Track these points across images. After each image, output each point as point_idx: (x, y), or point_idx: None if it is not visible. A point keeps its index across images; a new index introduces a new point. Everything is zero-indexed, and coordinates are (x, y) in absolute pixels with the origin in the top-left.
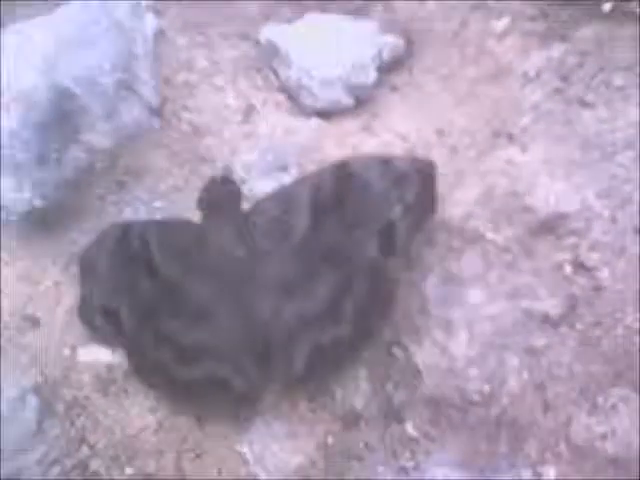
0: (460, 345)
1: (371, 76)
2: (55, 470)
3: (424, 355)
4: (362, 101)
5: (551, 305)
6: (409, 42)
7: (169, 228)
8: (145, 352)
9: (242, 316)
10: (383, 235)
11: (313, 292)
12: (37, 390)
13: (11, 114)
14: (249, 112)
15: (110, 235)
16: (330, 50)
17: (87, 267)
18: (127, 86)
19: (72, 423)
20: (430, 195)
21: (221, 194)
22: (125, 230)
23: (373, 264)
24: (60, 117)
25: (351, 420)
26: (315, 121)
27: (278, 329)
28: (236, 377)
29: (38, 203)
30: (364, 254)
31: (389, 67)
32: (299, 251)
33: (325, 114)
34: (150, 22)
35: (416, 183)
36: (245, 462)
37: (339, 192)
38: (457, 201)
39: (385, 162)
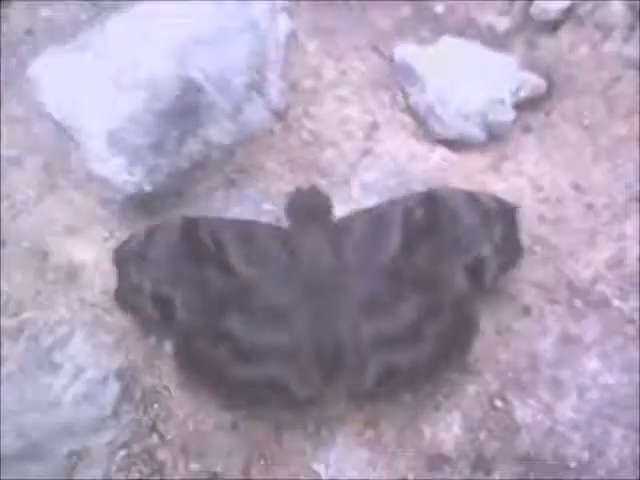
0: (567, 408)
1: (509, 114)
2: (122, 453)
3: (526, 411)
4: (493, 137)
5: None
6: (550, 84)
7: (249, 228)
8: (198, 345)
9: (316, 325)
10: (471, 269)
11: (395, 312)
12: (119, 375)
13: (133, 98)
14: (372, 129)
15: (173, 227)
16: (467, 80)
17: (135, 254)
18: (256, 88)
19: (146, 410)
20: (516, 238)
21: (311, 202)
22: (192, 225)
23: (459, 296)
24: (184, 109)
25: (436, 461)
26: (441, 151)
27: (353, 343)
28: (297, 382)
29: (147, 188)
30: (451, 285)
31: (525, 106)
32: (386, 270)
33: (451, 145)
34: (283, 24)
35: (502, 223)
36: None
37: (430, 219)
38: (587, 261)
39: (472, 197)
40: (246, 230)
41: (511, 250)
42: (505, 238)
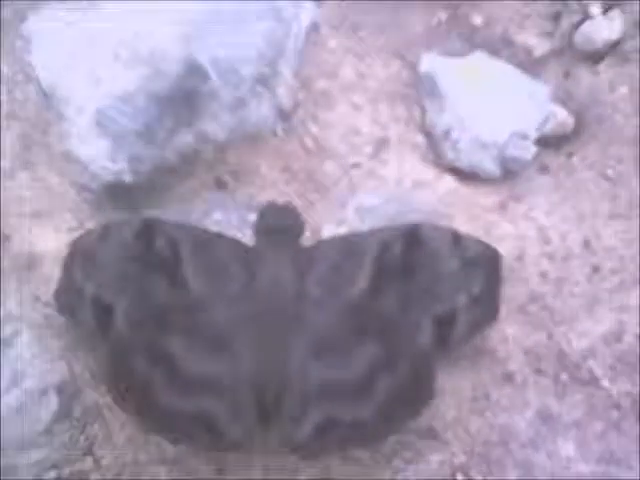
0: None
1: (529, 152)
2: (51, 474)
3: None
4: (507, 174)
5: None
6: (579, 122)
7: (209, 240)
8: (132, 363)
9: (261, 359)
10: (441, 322)
11: (349, 360)
12: (60, 388)
13: (131, 74)
14: (381, 146)
15: (129, 227)
16: (493, 106)
17: (84, 252)
18: (265, 82)
19: (83, 430)
20: (495, 294)
21: (283, 221)
22: (149, 227)
23: (421, 351)
24: (183, 95)
25: None
26: (449, 180)
27: (297, 387)
28: (227, 421)
29: (128, 179)
30: (414, 337)
31: (547, 143)
32: (349, 308)
33: (461, 175)
34: (307, 14)
35: (484, 275)
36: None
37: (406, 257)
38: (582, 331)
39: (457, 240)
40: (208, 242)
41: (487, 308)
42: (484, 292)
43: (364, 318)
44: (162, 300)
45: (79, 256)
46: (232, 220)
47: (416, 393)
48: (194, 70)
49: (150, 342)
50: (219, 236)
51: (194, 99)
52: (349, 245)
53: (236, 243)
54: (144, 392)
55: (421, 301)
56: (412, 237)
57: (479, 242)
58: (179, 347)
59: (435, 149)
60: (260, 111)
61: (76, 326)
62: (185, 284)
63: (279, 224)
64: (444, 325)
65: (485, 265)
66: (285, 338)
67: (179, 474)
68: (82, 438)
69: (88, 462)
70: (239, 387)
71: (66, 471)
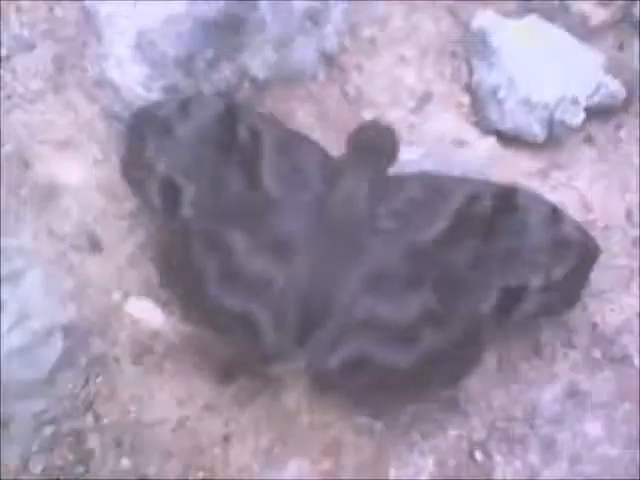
0: (554, 477)
1: (579, 117)
2: (47, 430)
3: (507, 471)
4: (551, 140)
5: None
6: (630, 94)
7: (294, 141)
8: (188, 247)
9: (316, 275)
10: (509, 294)
11: (400, 303)
12: (67, 331)
13: None
14: (425, 101)
15: (211, 108)
16: (544, 67)
17: (159, 124)
18: (315, 19)
19: (86, 383)
20: (579, 285)
21: (378, 141)
22: (233, 113)
23: (479, 317)
24: (229, 23)
25: None
26: (491, 142)
27: (340, 312)
28: (270, 330)
29: None
30: (478, 301)
31: (595, 113)
32: (415, 252)
33: (504, 137)
34: None
35: (574, 263)
36: None
37: (493, 218)
38: (618, 306)
39: (557, 217)
40: (292, 143)
41: (565, 296)
42: (567, 280)
43: (429, 265)
44: (233, 193)
45: (154, 127)
46: None
47: (461, 357)
48: None
49: (212, 232)
50: (305, 139)
51: (239, 28)
52: (436, 187)
53: (321, 151)
54: (195, 279)
55: (495, 267)
56: (506, 199)
57: (580, 229)
58: (240, 243)
59: (480, 109)
60: (305, 51)
61: (140, 198)
62: (259, 182)
63: (373, 143)
64: (512, 298)
65: (578, 254)
66: (344, 261)
67: (182, 438)
68: (84, 392)
69: (88, 420)
70: (287, 297)
71: (64, 427)
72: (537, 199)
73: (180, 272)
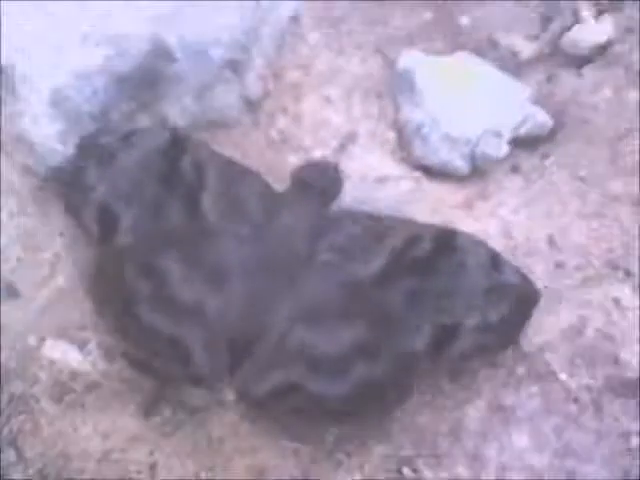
0: None
1: (501, 150)
2: None
3: None
4: (476, 172)
5: (601, 475)
6: (558, 125)
7: (237, 173)
8: (122, 272)
9: (250, 304)
10: (443, 332)
11: (333, 335)
12: None
13: (94, 53)
14: (349, 140)
15: (156, 138)
16: (469, 102)
17: (102, 150)
18: (235, 68)
19: (8, 420)
20: (516, 329)
21: (321, 180)
22: (177, 142)
23: (412, 354)
24: (145, 77)
25: None
26: (416, 177)
27: (273, 341)
28: (202, 356)
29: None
30: (411, 338)
31: (522, 144)
32: (351, 287)
33: (430, 172)
34: (289, 5)
35: (510, 307)
36: None
37: (431, 258)
38: (541, 326)
39: (495, 261)
40: (235, 175)
41: (502, 337)
42: (504, 322)
43: (364, 301)
44: (172, 221)
45: (96, 153)
46: None
47: (393, 391)
48: (160, 49)
49: (148, 258)
50: (248, 172)
51: (157, 81)
52: (376, 225)
53: (264, 184)
54: (128, 303)
55: (430, 305)
56: (445, 241)
57: (520, 273)
58: (175, 270)
59: (405, 145)
60: (226, 98)
61: (77, 223)
62: (200, 212)
63: (316, 181)
64: (445, 336)
65: (516, 298)
66: (280, 291)
67: (108, 468)
68: (6, 429)
69: (10, 456)
70: (220, 324)
71: None
72: (477, 243)
73: (114, 296)
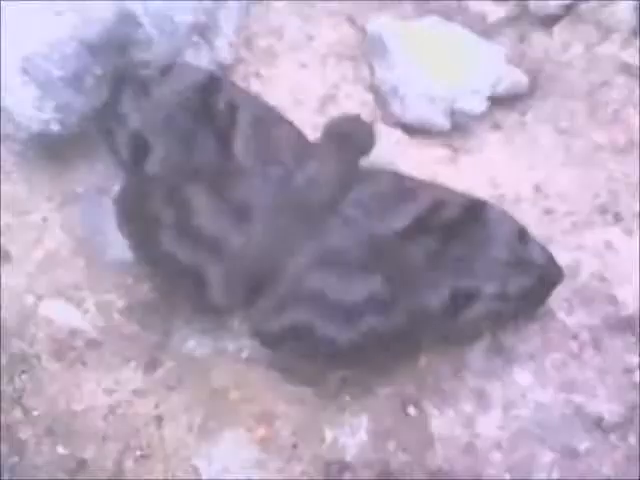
0: (489, 424)
1: (480, 105)
2: None
3: (443, 423)
4: (458, 129)
5: (608, 409)
6: (534, 82)
7: (271, 119)
8: (149, 199)
9: (270, 244)
10: (459, 296)
11: (348, 284)
12: None
13: (61, 21)
14: (327, 101)
15: (193, 75)
16: (443, 62)
17: (141, 80)
18: (202, 32)
19: (11, 379)
20: (534, 303)
21: (354, 133)
22: (214, 84)
23: (425, 312)
24: (114, 42)
25: (336, 468)
26: (397, 135)
27: (288, 282)
28: (218, 287)
29: (55, 128)
30: (427, 297)
31: (501, 102)
32: (371, 241)
33: (411, 130)
34: None
35: (532, 280)
36: None
37: (458, 225)
38: None
39: (523, 236)
40: (269, 120)
41: (518, 311)
42: (523, 296)
43: (384, 257)
44: (202, 157)
45: (133, 83)
46: None
47: (398, 347)
48: (125, 16)
49: (175, 188)
50: (282, 118)
51: (126, 47)
52: (404, 188)
53: (296, 132)
54: (151, 230)
55: (451, 267)
56: (474, 211)
57: (546, 251)
58: (201, 203)
59: (383, 105)
60: (197, 62)
61: (107, 148)
62: (231, 150)
63: (349, 135)
64: (463, 300)
65: (539, 275)
66: (301, 236)
67: (115, 422)
68: (9, 389)
69: (17, 413)
70: (239, 260)
71: None
72: (506, 216)
73: (138, 220)
